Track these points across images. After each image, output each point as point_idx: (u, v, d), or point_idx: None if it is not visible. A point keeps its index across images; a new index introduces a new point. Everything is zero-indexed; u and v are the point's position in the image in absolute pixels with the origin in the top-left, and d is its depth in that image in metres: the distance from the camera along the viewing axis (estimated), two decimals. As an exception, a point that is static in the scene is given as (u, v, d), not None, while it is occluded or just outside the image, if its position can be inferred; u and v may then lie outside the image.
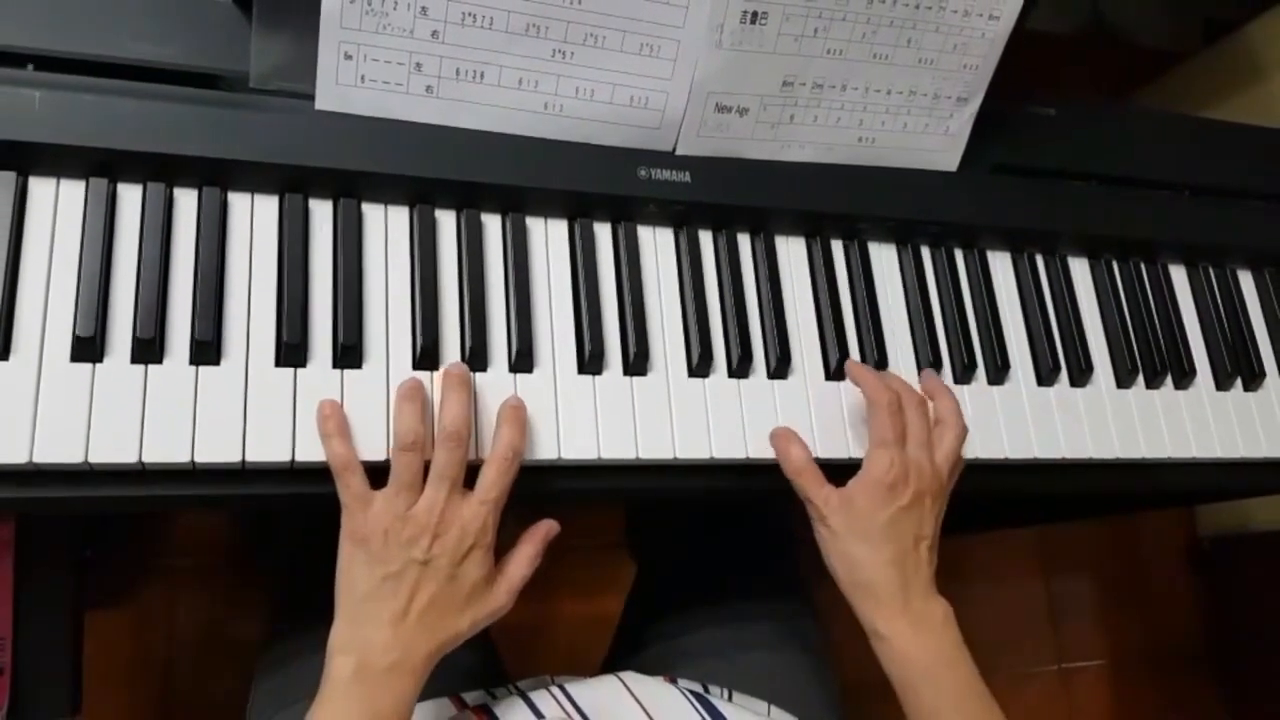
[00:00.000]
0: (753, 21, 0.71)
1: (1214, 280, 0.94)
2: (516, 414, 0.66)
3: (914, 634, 0.68)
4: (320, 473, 0.63)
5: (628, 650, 0.95)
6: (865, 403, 0.73)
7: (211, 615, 1.31)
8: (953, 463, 0.72)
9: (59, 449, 0.59)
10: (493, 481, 0.63)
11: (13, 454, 0.58)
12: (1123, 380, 0.86)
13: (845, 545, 0.69)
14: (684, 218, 0.77)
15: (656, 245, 0.77)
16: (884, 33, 0.74)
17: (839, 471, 0.71)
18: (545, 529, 0.68)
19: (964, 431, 0.73)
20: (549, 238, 0.74)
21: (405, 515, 0.61)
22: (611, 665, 0.96)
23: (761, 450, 0.73)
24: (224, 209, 0.67)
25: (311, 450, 0.63)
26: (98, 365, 0.61)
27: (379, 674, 0.60)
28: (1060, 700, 1.71)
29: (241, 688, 0.85)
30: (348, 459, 0.61)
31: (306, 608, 0.83)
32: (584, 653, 1.06)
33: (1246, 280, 0.96)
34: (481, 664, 0.87)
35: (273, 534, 0.94)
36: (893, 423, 0.70)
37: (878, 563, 0.68)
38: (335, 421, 0.62)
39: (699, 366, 0.74)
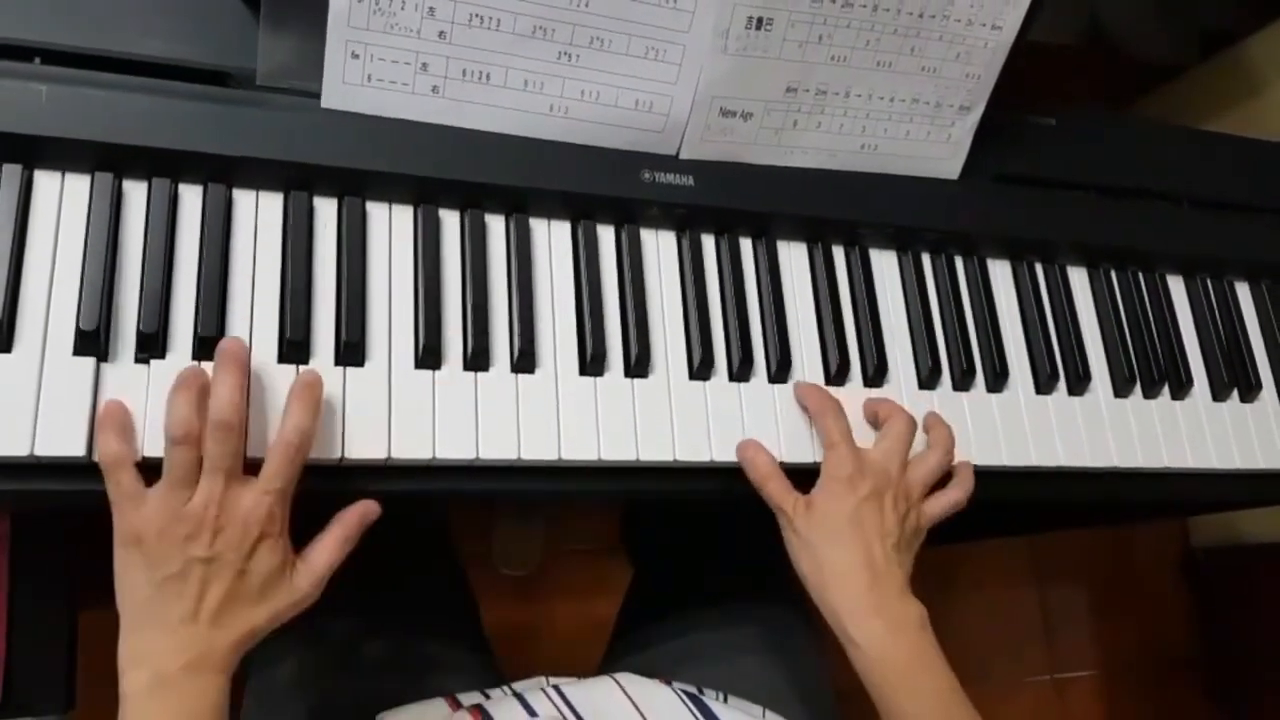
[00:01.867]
0: (758, 27, 0.71)
1: (1211, 292, 0.94)
2: (308, 393, 0.61)
3: (889, 637, 0.67)
4: (325, 470, 0.63)
5: (623, 653, 0.95)
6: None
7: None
8: (927, 481, 0.73)
9: (61, 442, 0.59)
10: (277, 469, 0.59)
11: (14, 446, 0.58)
12: (1120, 390, 0.86)
13: (813, 548, 0.70)
14: (686, 221, 0.78)
15: (659, 248, 0.77)
16: (888, 40, 0.75)
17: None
18: (360, 511, 0.63)
19: (946, 461, 0.75)
20: (552, 239, 0.75)
21: (180, 513, 0.57)
22: (607, 668, 0.96)
23: (761, 454, 0.73)
24: (229, 205, 0.67)
25: (314, 448, 0.63)
26: (100, 359, 0.61)
27: (176, 678, 0.56)
28: (1053, 710, 1.71)
29: (235, 684, 0.85)
30: (120, 455, 0.57)
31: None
32: (579, 656, 1.06)
33: (1244, 292, 0.96)
34: (477, 665, 0.87)
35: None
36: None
37: (845, 559, 0.69)
38: (115, 417, 0.59)
39: (700, 370, 0.74)
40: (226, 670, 0.59)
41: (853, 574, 0.68)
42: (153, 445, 0.60)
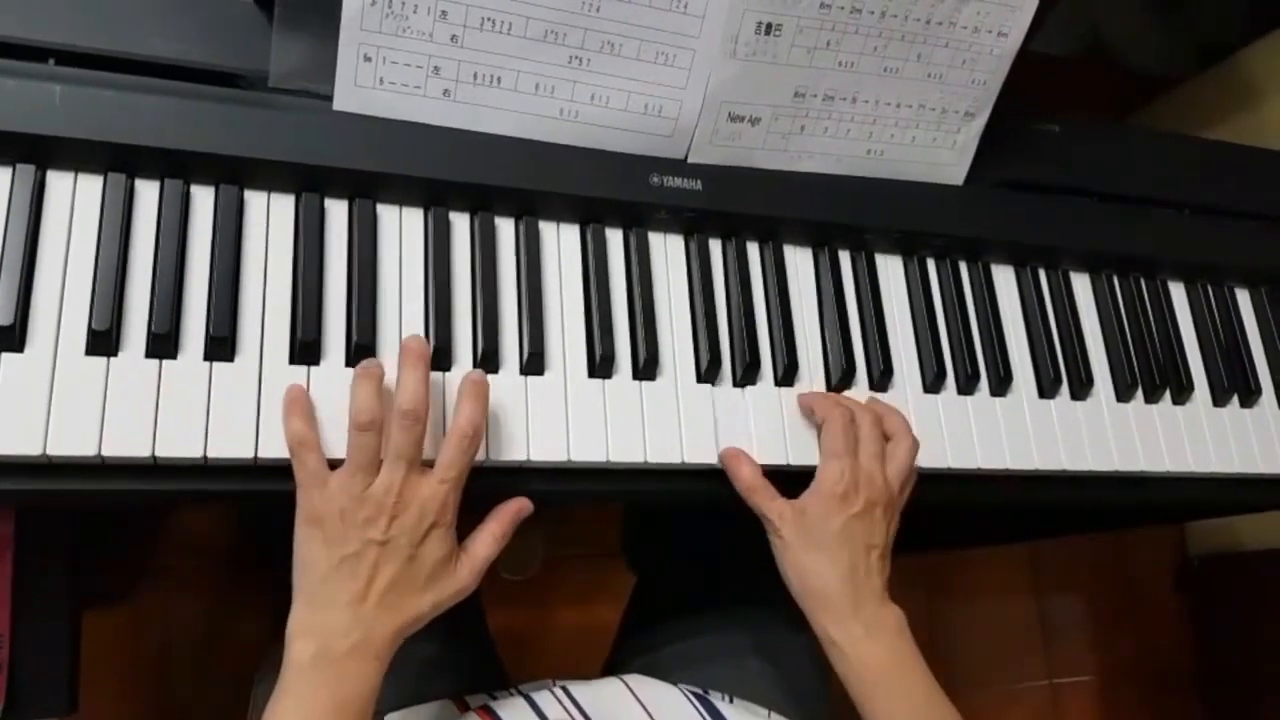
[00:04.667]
0: (767, 33, 0.72)
1: (1212, 298, 0.95)
2: (477, 389, 0.64)
3: (868, 640, 0.68)
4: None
5: (627, 658, 0.95)
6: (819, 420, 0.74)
7: (208, 616, 1.30)
8: (904, 476, 0.73)
9: (72, 441, 0.59)
10: (452, 459, 0.62)
11: (27, 445, 0.58)
12: (1122, 394, 0.87)
13: (798, 555, 0.70)
14: (694, 225, 0.78)
15: (667, 252, 0.78)
16: (895, 47, 0.76)
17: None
18: (516, 507, 0.67)
19: (915, 445, 0.74)
20: (561, 242, 0.75)
21: (362, 496, 0.60)
22: (608, 672, 0.96)
23: (767, 457, 0.74)
24: (240, 206, 0.67)
25: (326, 447, 0.63)
26: (112, 359, 0.61)
27: (341, 658, 0.59)
28: (1050, 716, 1.71)
29: (238, 688, 0.85)
30: (305, 436, 0.61)
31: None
32: (580, 660, 1.06)
33: (1244, 298, 0.97)
34: (483, 667, 0.87)
35: (279, 539, 0.94)
36: (845, 435, 0.72)
37: (830, 570, 0.69)
38: (301, 403, 0.62)
39: (707, 373, 0.74)
40: (384, 659, 0.61)
41: (836, 582, 0.69)
42: (166, 446, 0.60)
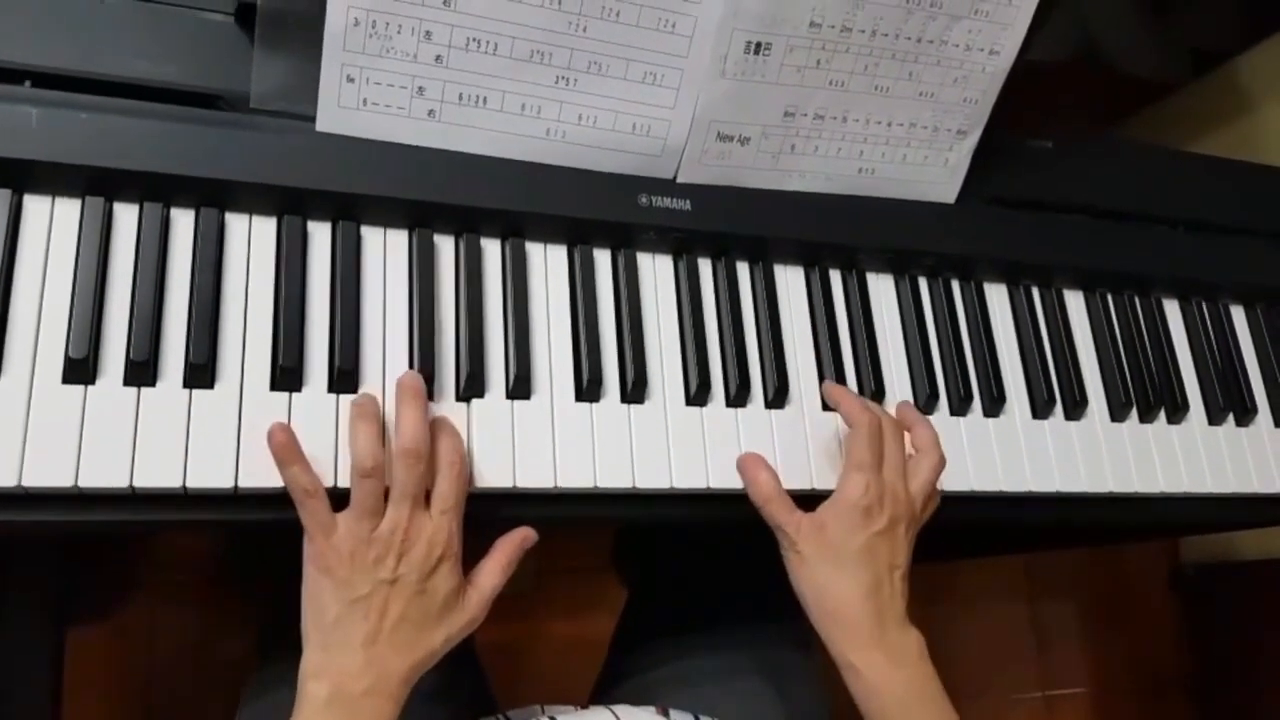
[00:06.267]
0: (756, 52, 0.71)
1: (1207, 315, 0.94)
2: (447, 420, 0.65)
3: (889, 666, 0.66)
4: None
5: (617, 675, 0.95)
6: (843, 424, 0.72)
7: (193, 633, 1.29)
8: (928, 493, 0.71)
9: (49, 472, 0.58)
10: (448, 490, 0.62)
11: (1, 476, 0.57)
12: (1116, 414, 0.86)
13: (816, 572, 0.68)
14: (684, 246, 0.77)
15: (656, 273, 0.77)
16: (886, 65, 0.75)
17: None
18: (520, 536, 0.66)
19: (941, 461, 0.72)
20: (548, 263, 0.74)
21: (370, 538, 0.60)
22: (601, 690, 0.95)
23: (758, 480, 0.72)
24: (221, 230, 0.66)
25: (311, 474, 0.62)
26: (90, 387, 0.60)
27: (355, 699, 0.59)
28: (1044, 727, 1.71)
29: (223, 706, 0.84)
30: (310, 486, 0.60)
31: (298, 632, 0.82)
32: (572, 676, 1.05)
33: (1239, 315, 0.96)
34: (471, 694, 0.86)
35: (265, 558, 0.93)
36: (871, 446, 0.69)
37: (851, 590, 0.67)
38: (291, 448, 0.60)
39: (697, 395, 0.74)
40: (399, 698, 0.61)
41: (858, 604, 0.67)
42: (144, 476, 0.59)
